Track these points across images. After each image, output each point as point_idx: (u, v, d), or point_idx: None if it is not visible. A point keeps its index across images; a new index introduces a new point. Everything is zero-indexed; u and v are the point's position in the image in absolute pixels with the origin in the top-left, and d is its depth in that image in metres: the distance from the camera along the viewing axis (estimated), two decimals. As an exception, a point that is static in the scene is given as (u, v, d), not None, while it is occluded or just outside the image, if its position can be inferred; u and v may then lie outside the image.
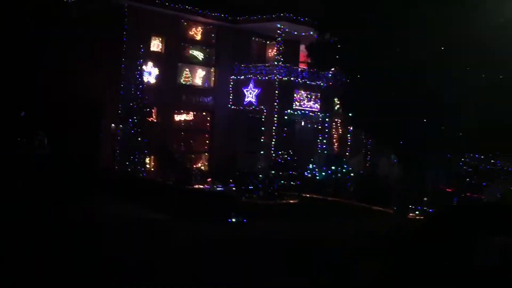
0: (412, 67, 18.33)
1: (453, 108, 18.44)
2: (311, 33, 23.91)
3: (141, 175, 23.07)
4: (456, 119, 18.75)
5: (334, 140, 29.80)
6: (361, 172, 26.95)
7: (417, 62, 18.19)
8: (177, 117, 27.94)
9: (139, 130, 23.34)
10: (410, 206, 20.89)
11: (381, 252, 13.58)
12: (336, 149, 29.54)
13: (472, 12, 17.25)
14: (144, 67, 24.81)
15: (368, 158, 28.49)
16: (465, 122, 18.48)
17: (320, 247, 14.38)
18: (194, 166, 27.94)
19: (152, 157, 25.66)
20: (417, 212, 21.26)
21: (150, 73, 26.01)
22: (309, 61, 22.68)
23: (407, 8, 17.94)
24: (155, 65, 26.06)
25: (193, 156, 28.21)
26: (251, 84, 28.04)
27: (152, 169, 25.79)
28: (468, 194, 22.39)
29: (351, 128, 28.37)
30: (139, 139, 23.20)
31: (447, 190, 22.84)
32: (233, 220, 17.54)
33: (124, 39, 24.77)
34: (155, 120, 25.95)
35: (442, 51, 17.95)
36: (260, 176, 24.82)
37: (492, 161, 23.14)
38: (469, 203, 21.53)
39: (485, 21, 17.08)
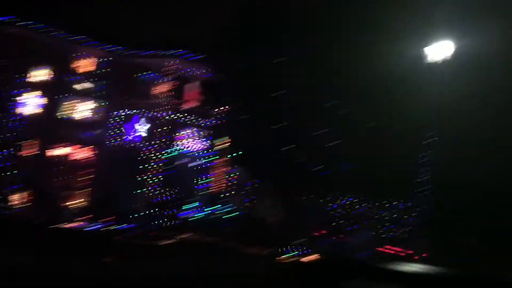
0: (292, 114, 19.78)
1: (330, 153, 20.07)
2: (204, 71, 25.45)
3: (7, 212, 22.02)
4: (332, 163, 20.38)
5: (218, 179, 29.69)
6: (242, 211, 27.04)
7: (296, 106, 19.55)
8: (58, 151, 27.11)
9: (9, 163, 22.37)
10: (287, 247, 21.34)
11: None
12: (218, 188, 29.35)
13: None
14: (23, 97, 23.87)
15: (248, 198, 28.21)
16: (341, 165, 20.32)
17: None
18: (73, 202, 27.07)
19: (26, 193, 24.65)
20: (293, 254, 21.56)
21: (30, 104, 25.09)
22: (200, 98, 24.05)
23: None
24: (38, 96, 25.23)
25: (72, 191, 27.31)
26: (138, 120, 28.06)
27: (25, 206, 24.74)
28: (337, 237, 23.18)
29: (235, 167, 28.28)
30: (9, 173, 22.24)
31: (319, 232, 23.55)
32: (105, 260, 17.17)
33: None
34: (33, 153, 25.00)
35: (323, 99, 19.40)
36: (140, 214, 24.95)
37: (363, 205, 23.92)
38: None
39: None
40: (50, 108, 26.34)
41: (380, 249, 21.84)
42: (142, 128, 27.97)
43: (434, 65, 18.12)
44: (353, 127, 20.32)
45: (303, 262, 20.47)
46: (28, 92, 25.06)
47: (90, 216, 25.46)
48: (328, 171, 20.98)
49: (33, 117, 25.37)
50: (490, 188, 22.24)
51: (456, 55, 20.00)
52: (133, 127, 28.04)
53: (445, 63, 18.10)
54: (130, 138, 28.09)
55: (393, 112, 20.59)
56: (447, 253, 20.83)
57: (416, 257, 20.39)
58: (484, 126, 23.34)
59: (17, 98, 23.54)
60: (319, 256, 20.47)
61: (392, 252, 21.83)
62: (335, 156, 20.62)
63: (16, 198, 24.12)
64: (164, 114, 27.52)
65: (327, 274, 14.69)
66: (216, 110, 25.81)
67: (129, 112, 28.26)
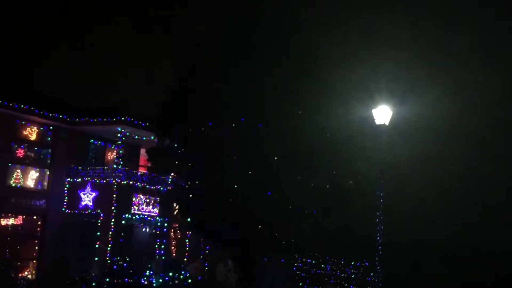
0: (244, 179, 19.74)
1: (290, 214, 20.17)
2: (152, 137, 24.76)
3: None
4: (292, 226, 20.45)
5: (173, 246, 29.94)
6: (200, 278, 27.39)
7: (249, 172, 19.81)
8: (4, 221, 26.47)
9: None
10: None
11: None
12: (174, 254, 29.55)
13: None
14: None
15: (206, 264, 28.75)
16: (301, 229, 20.35)
17: None
18: (21, 274, 26.26)
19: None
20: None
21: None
22: (149, 165, 23.61)
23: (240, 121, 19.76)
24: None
25: (19, 263, 26.50)
26: (88, 187, 27.81)
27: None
28: None
29: (189, 233, 28.71)
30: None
31: None
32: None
33: None
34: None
35: (278, 162, 19.81)
36: (93, 284, 24.53)
37: (322, 265, 24.81)
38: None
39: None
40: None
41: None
42: (89, 196, 27.72)
43: (378, 127, 19.23)
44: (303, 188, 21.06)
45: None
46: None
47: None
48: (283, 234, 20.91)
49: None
50: (439, 244, 23.70)
51: (396, 119, 21.49)
52: (81, 196, 27.84)
53: (387, 125, 19.30)
54: (81, 205, 27.79)
55: (342, 171, 21.21)
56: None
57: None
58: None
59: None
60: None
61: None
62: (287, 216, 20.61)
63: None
64: (117, 180, 27.29)
65: None
66: (168, 176, 25.70)
67: (77, 180, 28.05)
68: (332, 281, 24.73)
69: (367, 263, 24.77)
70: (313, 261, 24.74)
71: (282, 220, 20.25)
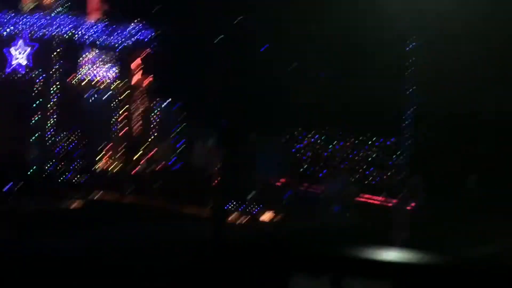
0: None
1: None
2: None
3: None
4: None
5: (136, 119, 26.19)
6: (171, 161, 24.48)
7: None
8: None
9: None
10: (233, 205, 20.02)
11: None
12: (138, 131, 25.95)
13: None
14: None
15: (180, 144, 25.42)
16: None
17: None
18: None
19: None
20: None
21: None
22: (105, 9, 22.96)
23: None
24: None
25: None
26: (20, 41, 24.06)
27: None
28: (305, 186, 21.08)
29: (160, 102, 25.46)
30: None
31: (279, 183, 21.41)
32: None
33: None
34: None
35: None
36: (31, 170, 22.07)
37: (334, 143, 22.07)
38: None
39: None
40: None
41: (359, 199, 19.79)
42: (22, 53, 23.98)
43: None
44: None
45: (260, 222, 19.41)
46: None
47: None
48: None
49: None
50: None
51: None
52: (20, 50, 24.01)
53: None
54: (10, 67, 24.08)
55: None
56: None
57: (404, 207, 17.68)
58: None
59: None
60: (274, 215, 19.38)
61: (375, 202, 19.69)
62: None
63: None
64: (61, 31, 23.57)
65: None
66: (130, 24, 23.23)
67: (7, 31, 24.06)
68: (347, 162, 20.74)
69: (391, 140, 20.93)
70: (323, 137, 21.06)
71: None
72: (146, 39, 20.89)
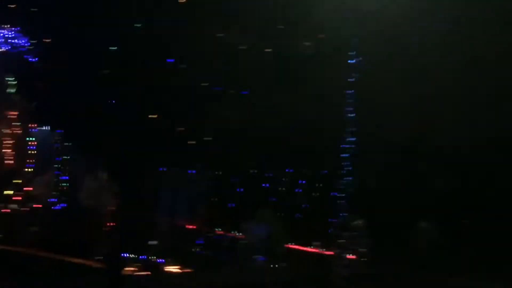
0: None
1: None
2: None
3: None
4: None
5: (6, 148, 22.12)
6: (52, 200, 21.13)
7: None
8: None
9: None
10: (129, 256, 17.77)
11: None
12: (9, 162, 21.90)
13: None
14: None
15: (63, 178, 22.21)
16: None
17: None
18: None
19: None
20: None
21: None
22: None
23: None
24: None
25: None
26: None
27: None
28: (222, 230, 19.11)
29: (37, 127, 22.13)
30: None
31: (190, 225, 19.28)
32: None
33: None
34: None
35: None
36: None
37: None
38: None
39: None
40: None
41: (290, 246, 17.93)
42: None
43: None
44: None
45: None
46: None
47: None
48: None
49: None
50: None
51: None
52: None
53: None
54: None
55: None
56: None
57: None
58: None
59: None
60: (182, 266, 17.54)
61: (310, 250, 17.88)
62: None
63: None
64: None
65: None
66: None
67: None
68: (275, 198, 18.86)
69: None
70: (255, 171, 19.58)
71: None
72: (21, 48, 18.59)
